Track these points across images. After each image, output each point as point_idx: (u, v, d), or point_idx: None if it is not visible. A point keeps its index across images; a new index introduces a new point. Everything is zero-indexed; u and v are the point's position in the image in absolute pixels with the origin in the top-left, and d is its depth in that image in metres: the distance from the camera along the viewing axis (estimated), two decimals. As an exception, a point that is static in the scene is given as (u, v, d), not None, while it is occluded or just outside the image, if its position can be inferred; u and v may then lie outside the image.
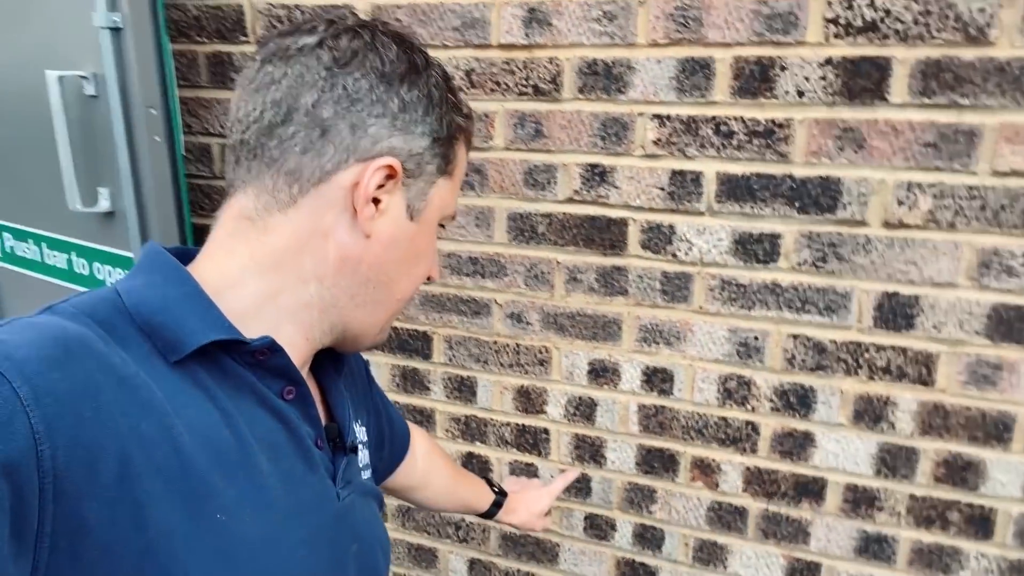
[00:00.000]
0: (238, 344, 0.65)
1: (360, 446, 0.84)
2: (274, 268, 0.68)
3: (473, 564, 1.81)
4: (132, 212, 1.55)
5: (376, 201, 0.68)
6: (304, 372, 0.75)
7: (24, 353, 0.52)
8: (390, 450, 1.06)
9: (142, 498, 0.54)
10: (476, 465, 1.72)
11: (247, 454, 0.64)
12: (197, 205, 1.78)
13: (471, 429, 1.71)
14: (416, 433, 1.19)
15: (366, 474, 0.85)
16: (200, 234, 1.75)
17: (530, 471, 1.67)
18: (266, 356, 0.67)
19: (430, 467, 1.20)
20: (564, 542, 1.70)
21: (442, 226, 0.77)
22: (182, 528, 0.57)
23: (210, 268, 0.68)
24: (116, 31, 1.44)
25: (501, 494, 1.29)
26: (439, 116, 0.71)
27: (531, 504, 1.32)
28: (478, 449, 1.71)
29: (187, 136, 1.72)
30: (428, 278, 0.78)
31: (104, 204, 1.60)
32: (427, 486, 1.21)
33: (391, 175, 0.68)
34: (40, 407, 0.50)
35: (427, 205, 0.72)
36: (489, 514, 1.28)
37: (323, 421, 0.77)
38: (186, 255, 0.72)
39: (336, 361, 0.82)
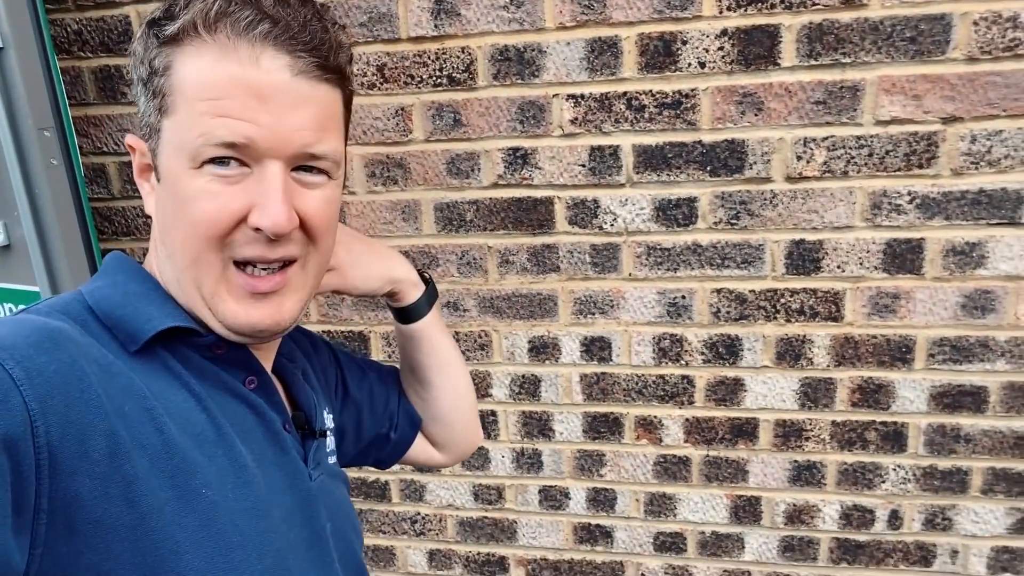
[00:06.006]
0: (196, 336, 0.68)
1: (328, 432, 0.87)
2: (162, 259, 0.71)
3: (433, 555, 1.83)
4: (34, 242, 1.45)
5: (146, 179, 0.70)
6: (268, 364, 0.78)
7: (11, 340, 0.54)
8: (396, 438, 1.02)
9: (131, 475, 0.56)
10: (426, 456, 1.74)
11: (223, 435, 0.67)
12: (98, 229, 1.68)
13: (417, 422, 1.72)
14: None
15: (332, 459, 0.87)
16: (109, 259, 1.67)
17: (481, 454, 1.71)
18: (223, 349, 0.70)
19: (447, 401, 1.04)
20: (521, 517, 1.75)
21: (221, 162, 0.62)
22: (170, 504, 0.59)
23: (154, 267, 0.71)
24: (-4, 51, 1.34)
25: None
26: (142, 56, 0.66)
27: None
28: (427, 440, 1.72)
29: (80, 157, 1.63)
30: (256, 228, 0.63)
31: (-1, 237, 1.49)
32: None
33: (133, 150, 0.70)
34: (33, 386, 0.52)
35: (160, 160, 0.66)
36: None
37: (289, 410, 0.79)
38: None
39: (291, 358, 0.85)
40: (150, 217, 0.71)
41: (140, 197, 1.59)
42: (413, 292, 0.94)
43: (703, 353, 1.55)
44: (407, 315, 0.95)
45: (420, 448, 1.05)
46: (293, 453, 0.75)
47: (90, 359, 0.58)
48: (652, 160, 1.45)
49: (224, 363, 0.70)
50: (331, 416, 0.91)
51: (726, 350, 1.54)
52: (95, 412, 0.55)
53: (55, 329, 0.58)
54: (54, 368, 0.54)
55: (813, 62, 1.35)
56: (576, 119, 1.45)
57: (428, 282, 0.97)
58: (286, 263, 0.68)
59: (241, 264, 0.66)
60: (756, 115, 1.40)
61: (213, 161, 0.62)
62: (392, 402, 1.01)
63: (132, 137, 0.70)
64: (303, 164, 0.66)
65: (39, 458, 0.51)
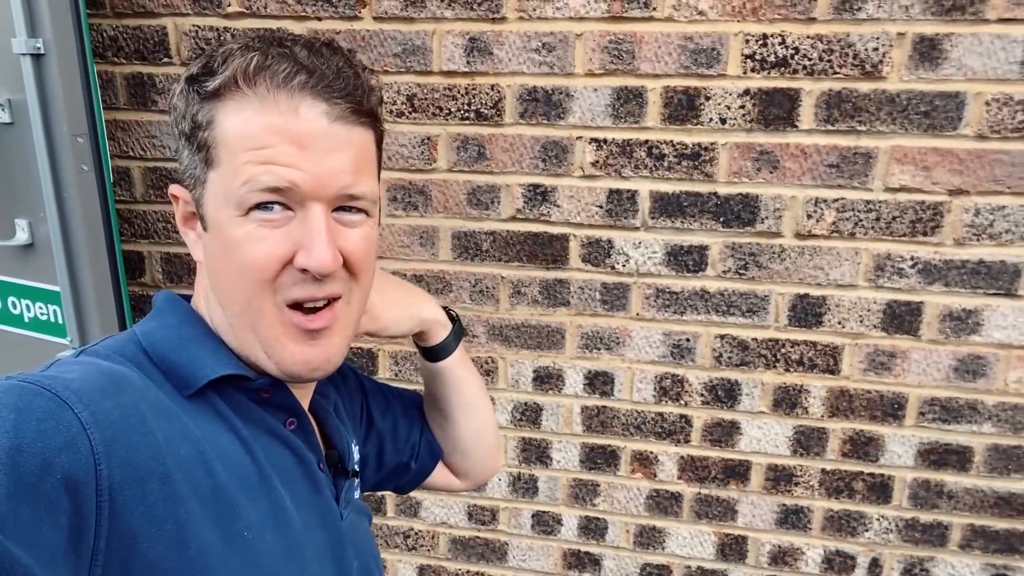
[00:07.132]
0: (245, 380, 0.71)
1: (357, 468, 0.90)
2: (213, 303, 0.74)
3: (423, 570, 1.87)
4: (58, 243, 1.48)
5: (191, 227, 0.73)
6: (306, 404, 0.81)
7: (79, 385, 0.57)
8: (416, 468, 1.06)
9: (184, 517, 0.60)
10: (425, 474, 1.78)
11: (265, 477, 0.70)
12: (119, 231, 1.71)
13: (418, 440, 1.76)
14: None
15: (357, 493, 0.91)
16: (131, 262, 1.69)
17: (478, 476, 1.75)
18: (269, 393, 0.73)
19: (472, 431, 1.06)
20: (512, 540, 1.79)
21: (265, 208, 0.65)
22: (217, 545, 0.62)
23: (203, 309, 0.75)
24: (38, 56, 1.37)
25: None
26: (183, 111, 0.68)
27: None
28: (426, 459, 1.76)
29: (106, 160, 1.65)
30: (302, 270, 0.66)
31: (22, 236, 1.52)
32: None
33: (176, 200, 0.73)
34: (99, 430, 0.55)
35: (207, 211, 0.68)
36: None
37: (323, 449, 0.82)
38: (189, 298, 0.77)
39: (324, 394, 0.88)
40: (171, 223, 0.74)
41: (161, 201, 1.62)
42: (441, 332, 0.97)
43: (702, 395, 1.60)
44: (434, 354, 0.98)
45: (440, 475, 1.08)
46: (327, 493, 0.79)
47: (149, 403, 0.62)
48: (668, 207, 1.50)
49: (269, 405, 0.74)
50: (357, 447, 0.95)
51: (725, 394, 1.59)
52: (154, 456, 0.58)
53: (118, 374, 0.62)
54: (118, 413, 0.57)
55: (830, 127, 1.40)
56: (597, 162, 1.50)
57: (455, 320, 1.00)
58: (332, 300, 0.71)
59: (293, 305, 0.69)
60: (771, 172, 1.45)
61: (258, 207, 0.65)
62: (415, 433, 1.04)
63: (176, 187, 0.72)
64: (343, 204, 0.69)
65: (100, 500, 0.53)
